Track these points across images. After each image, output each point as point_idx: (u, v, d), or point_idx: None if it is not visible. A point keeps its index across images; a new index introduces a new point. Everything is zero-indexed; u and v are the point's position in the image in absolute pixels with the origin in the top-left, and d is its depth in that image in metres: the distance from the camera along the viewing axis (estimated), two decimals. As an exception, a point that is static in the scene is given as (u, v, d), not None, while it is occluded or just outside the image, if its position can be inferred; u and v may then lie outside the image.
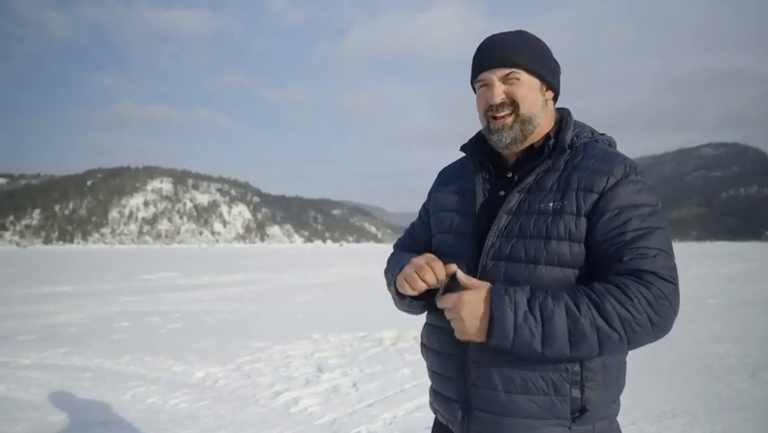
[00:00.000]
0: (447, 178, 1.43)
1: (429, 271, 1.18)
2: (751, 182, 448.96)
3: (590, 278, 1.13)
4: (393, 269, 1.34)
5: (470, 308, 1.09)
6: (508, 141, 1.22)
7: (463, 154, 1.40)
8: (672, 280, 1.07)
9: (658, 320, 1.04)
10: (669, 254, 1.10)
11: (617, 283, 1.05)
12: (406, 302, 1.30)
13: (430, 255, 1.23)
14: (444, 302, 1.13)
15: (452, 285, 1.17)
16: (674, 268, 1.10)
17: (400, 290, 1.26)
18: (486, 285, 1.12)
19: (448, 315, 1.13)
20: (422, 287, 1.19)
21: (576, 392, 1.12)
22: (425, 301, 1.28)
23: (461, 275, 1.14)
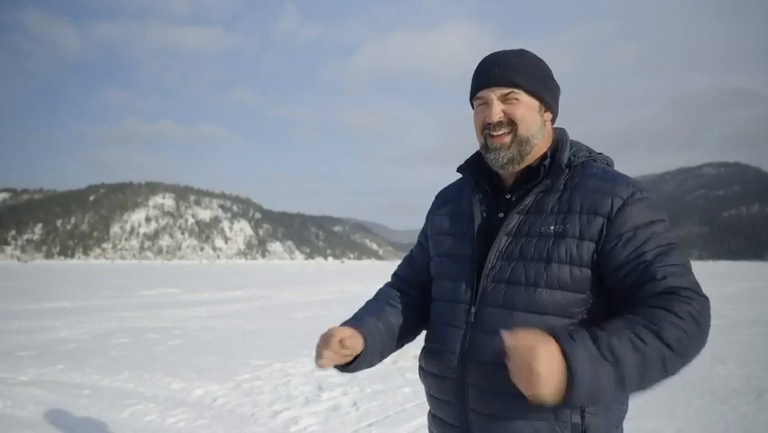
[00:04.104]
0: (445, 200, 1.41)
1: (323, 348, 1.20)
2: (752, 202, 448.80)
3: (606, 300, 1.13)
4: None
5: (546, 362, 0.92)
6: (505, 160, 1.21)
7: (460, 175, 1.39)
8: (704, 294, 1.08)
9: (703, 335, 1.05)
10: (690, 269, 1.11)
11: (664, 305, 1.03)
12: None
13: (331, 332, 1.22)
14: (515, 360, 0.95)
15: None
16: (697, 281, 1.10)
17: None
18: (544, 334, 0.97)
19: (516, 371, 0.95)
20: (323, 365, 1.21)
21: (576, 418, 1.10)
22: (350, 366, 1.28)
23: (506, 335, 0.96)
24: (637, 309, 1.04)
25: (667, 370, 1.01)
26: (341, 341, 1.20)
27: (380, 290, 1.49)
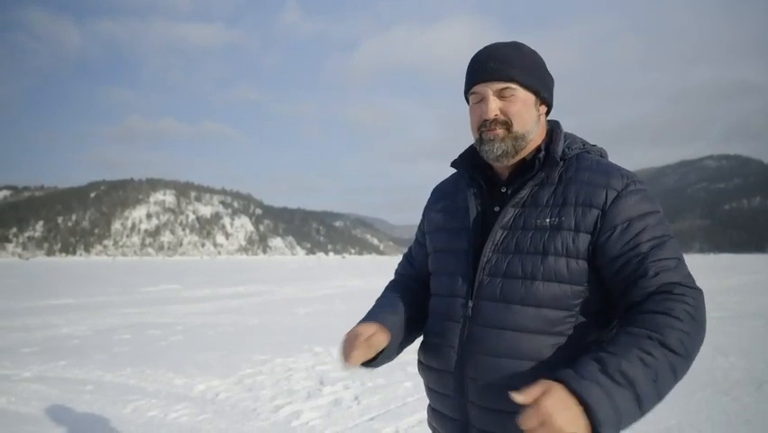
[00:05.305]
0: (440, 195, 1.41)
1: (351, 348, 1.19)
2: (754, 194, 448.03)
3: (603, 292, 1.13)
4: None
5: (559, 413, 0.91)
6: (499, 153, 1.20)
7: (455, 171, 1.38)
8: (697, 287, 1.09)
9: (701, 329, 1.06)
10: (683, 261, 1.11)
11: (661, 309, 1.03)
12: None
13: (356, 331, 1.22)
14: (529, 422, 0.93)
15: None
16: (690, 274, 1.11)
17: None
18: (549, 383, 0.95)
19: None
20: (352, 364, 1.20)
21: None
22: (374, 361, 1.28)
23: (517, 397, 0.96)
24: (636, 318, 1.04)
25: (677, 374, 1.02)
26: (367, 339, 1.20)
27: (388, 286, 1.49)
